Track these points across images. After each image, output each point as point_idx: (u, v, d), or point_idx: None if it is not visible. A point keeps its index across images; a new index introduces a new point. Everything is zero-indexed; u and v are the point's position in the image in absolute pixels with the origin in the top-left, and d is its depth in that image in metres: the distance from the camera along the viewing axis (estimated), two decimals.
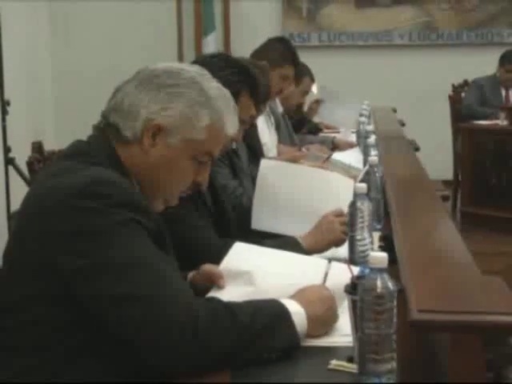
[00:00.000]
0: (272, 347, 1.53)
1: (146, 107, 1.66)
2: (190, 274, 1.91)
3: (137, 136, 1.66)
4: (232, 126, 1.74)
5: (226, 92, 1.76)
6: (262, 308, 1.55)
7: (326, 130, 5.43)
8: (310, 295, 1.65)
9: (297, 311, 1.58)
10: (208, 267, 1.88)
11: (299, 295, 1.65)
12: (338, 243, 2.33)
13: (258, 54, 4.00)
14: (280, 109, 4.54)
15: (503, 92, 7.02)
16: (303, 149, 4.25)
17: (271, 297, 1.63)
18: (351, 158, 3.93)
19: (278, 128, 4.33)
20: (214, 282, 1.83)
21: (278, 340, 1.53)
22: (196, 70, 1.74)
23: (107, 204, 1.51)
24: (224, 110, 1.72)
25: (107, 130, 1.69)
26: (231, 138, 1.82)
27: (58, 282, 1.50)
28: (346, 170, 3.46)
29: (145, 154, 1.66)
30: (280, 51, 4.12)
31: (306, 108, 5.73)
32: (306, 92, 5.32)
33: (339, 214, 2.35)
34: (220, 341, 1.47)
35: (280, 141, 4.29)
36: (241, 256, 1.87)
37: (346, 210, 2.27)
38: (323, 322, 1.65)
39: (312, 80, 5.35)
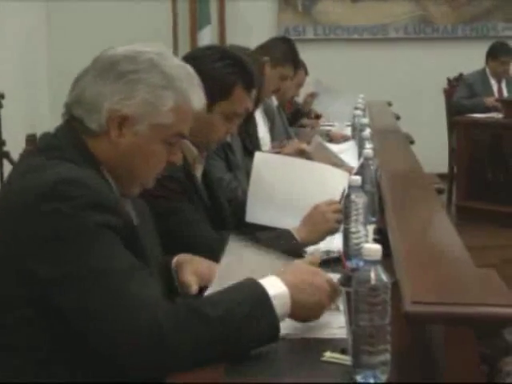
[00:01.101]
0: (252, 337, 1.50)
1: (107, 99, 1.62)
2: (174, 263, 1.90)
3: (103, 128, 1.63)
4: (199, 100, 1.70)
5: (188, 67, 1.72)
6: (238, 299, 1.51)
7: (321, 123, 5.44)
8: (301, 279, 1.61)
9: (279, 294, 1.54)
10: (184, 275, 1.87)
11: (291, 274, 1.61)
12: (332, 232, 2.32)
13: (261, 50, 4.03)
14: (275, 102, 4.54)
15: (494, 85, 6.98)
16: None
17: None
18: (347, 151, 3.93)
19: (272, 122, 4.33)
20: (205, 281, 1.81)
21: (257, 329, 1.49)
22: (154, 51, 1.69)
23: (75, 206, 1.49)
24: (188, 87, 1.68)
25: (73, 123, 1.66)
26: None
27: (33, 286, 1.48)
28: (332, 156, 3.47)
29: (114, 145, 1.64)
30: (283, 50, 4.19)
31: (299, 101, 5.73)
32: (300, 85, 5.34)
33: (331, 203, 2.34)
34: (189, 340, 1.44)
35: (275, 134, 4.30)
36: (234, 260, 1.83)
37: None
38: (308, 309, 1.60)
39: (306, 73, 5.36)
